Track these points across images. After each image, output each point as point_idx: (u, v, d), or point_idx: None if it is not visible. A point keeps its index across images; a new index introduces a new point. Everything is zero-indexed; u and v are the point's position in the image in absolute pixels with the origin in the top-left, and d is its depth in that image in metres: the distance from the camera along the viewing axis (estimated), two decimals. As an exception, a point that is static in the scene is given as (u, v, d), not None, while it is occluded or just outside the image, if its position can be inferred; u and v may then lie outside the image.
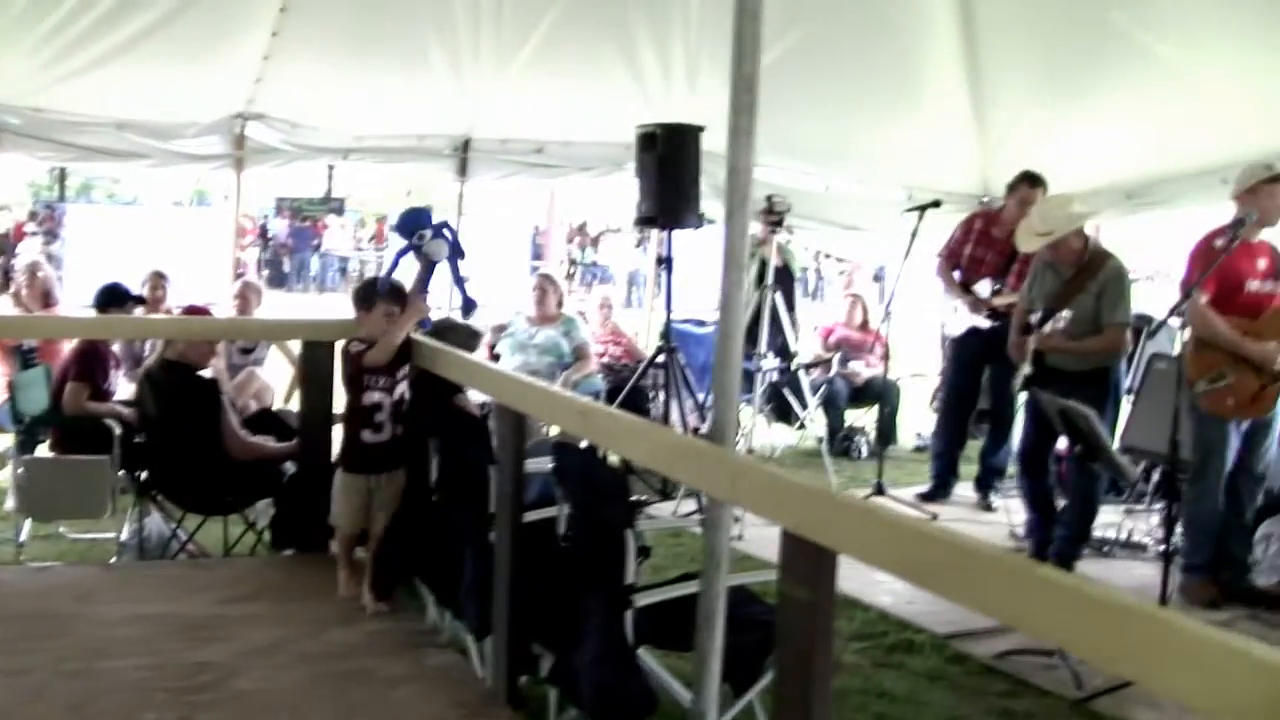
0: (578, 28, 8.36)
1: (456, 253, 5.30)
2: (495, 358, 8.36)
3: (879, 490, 8.05)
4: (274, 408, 7.81)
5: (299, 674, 4.31)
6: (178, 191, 31.21)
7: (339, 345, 5.30)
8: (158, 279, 8.37)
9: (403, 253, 5.33)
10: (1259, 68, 7.37)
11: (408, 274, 5.31)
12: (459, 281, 5.43)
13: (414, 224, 5.29)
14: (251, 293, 9.15)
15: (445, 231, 5.31)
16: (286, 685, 4.20)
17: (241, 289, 9.12)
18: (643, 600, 3.74)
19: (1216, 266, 5.85)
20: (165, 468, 6.08)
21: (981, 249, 7.94)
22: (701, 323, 9.99)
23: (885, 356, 10.04)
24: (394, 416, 5.05)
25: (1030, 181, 7.72)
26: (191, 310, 6.90)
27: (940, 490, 8.30)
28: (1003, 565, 2.30)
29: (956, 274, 8.10)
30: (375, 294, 5.09)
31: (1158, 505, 7.81)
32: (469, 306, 5.68)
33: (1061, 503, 6.85)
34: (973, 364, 8.12)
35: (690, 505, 7.22)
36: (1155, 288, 9.11)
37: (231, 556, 6.15)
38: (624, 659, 3.68)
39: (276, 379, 8.70)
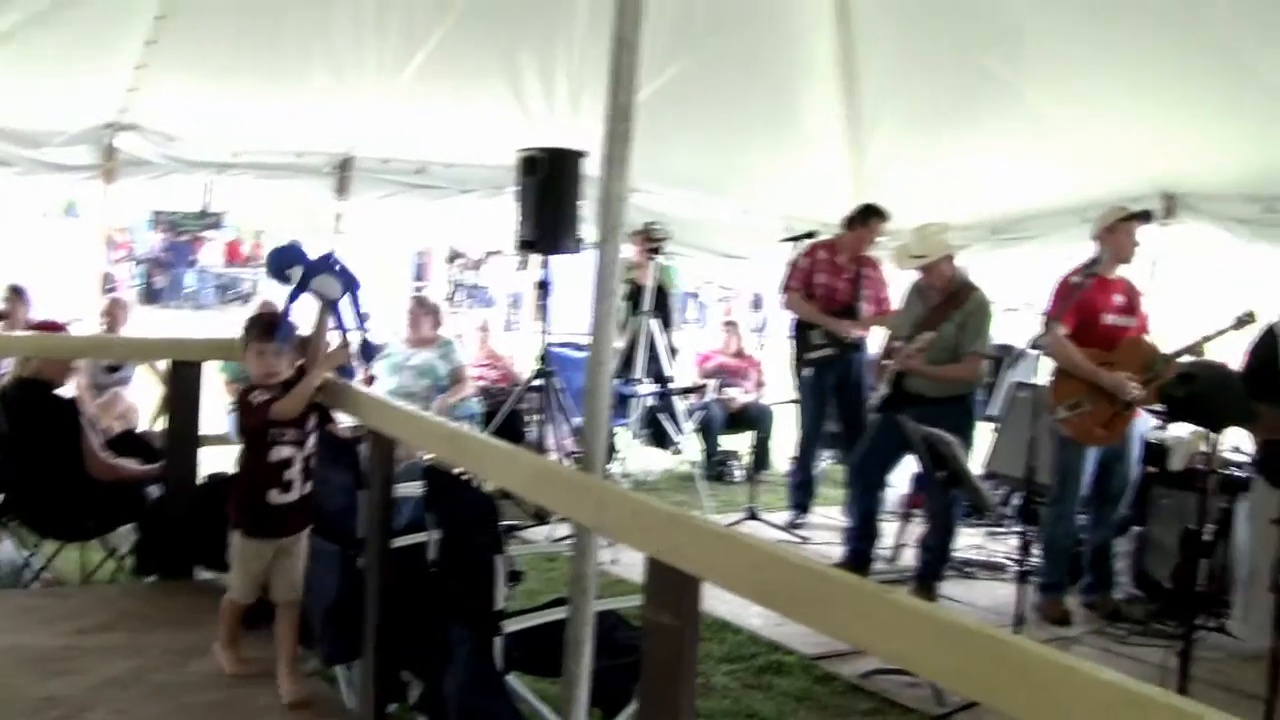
0: (463, 48, 8.30)
1: (351, 287, 4.65)
2: (371, 380, 8.30)
3: (751, 515, 8.16)
4: (140, 429, 7.61)
5: (157, 707, 4.07)
6: (45, 202, 30.27)
7: (218, 375, 4.97)
8: (14, 294, 8.16)
9: (296, 294, 4.57)
10: (1116, 113, 7.65)
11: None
12: (360, 321, 4.87)
13: (283, 262, 4.64)
14: (119, 309, 8.93)
15: (332, 265, 4.65)
16: (143, 719, 4.01)
17: (109, 305, 8.91)
18: (511, 626, 3.75)
19: (1076, 301, 6.10)
20: (20, 491, 5.78)
21: (829, 276, 8.11)
22: (580, 346, 10.00)
23: (760, 383, 10.19)
24: (305, 473, 4.38)
25: (879, 215, 7.99)
26: (45, 326, 6.57)
27: (801, 515, 8.42)
28: (856, 590, 2.36)
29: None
30: (275, 331, 4.36)
31: (1018, 527, 8.06)
32: (369, 352, 4.91)
33: (917, 526, 7.03)
34: (825, 391, 8.26)
35: (565, 529, 7.23)
36: (1019, 319, 9.34)
37: (90, 584, 5.89)
38: (492, 685, 3.69)
39: (145, 399, 8.50)
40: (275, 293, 5.16)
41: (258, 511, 4.33)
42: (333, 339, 4.61)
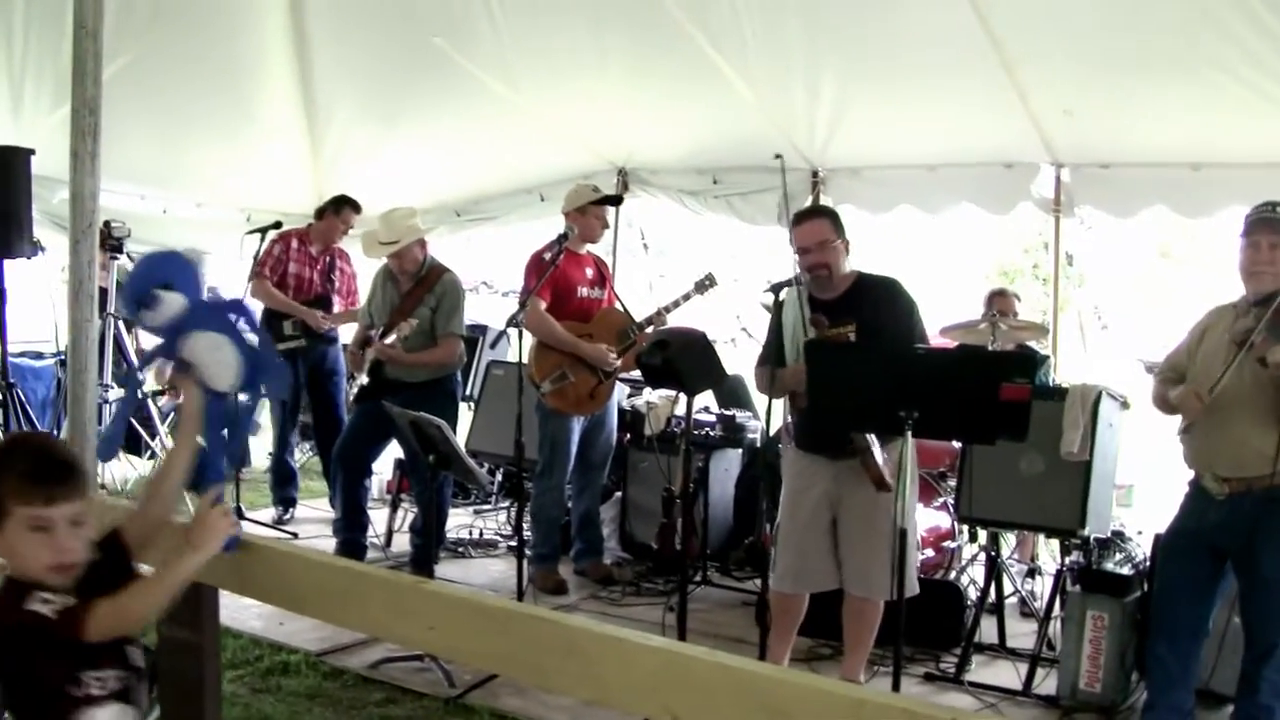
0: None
1: (262, 371, 2.74)
2: None
3: (239, 514, 7.87)
4: None
5: None
6: None
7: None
8: None
9: (156, 355, 2.80)
10: (571, 95, 8.00)
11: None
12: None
13: (153, 278, 2.71)
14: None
15: (232, 316, 2.74)
16: None
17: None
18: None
19: (551, 277, 6.33)
20: None
21: (301, 266, 7.98)
22: (40, 355, 9.28)
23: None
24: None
25: (352, 206, 7.95)
26: None
27: (287, 509, 8.24)
28: (391, 584, 2.35)
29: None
30: (71, 477, 2.42)
31: (505, 503, 8.30)
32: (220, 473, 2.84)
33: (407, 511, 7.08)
34: (298, 382, 8.12)
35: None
36: (488, 298, 9.59)
37: None
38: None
39: None
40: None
41: None
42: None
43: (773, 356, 4.82)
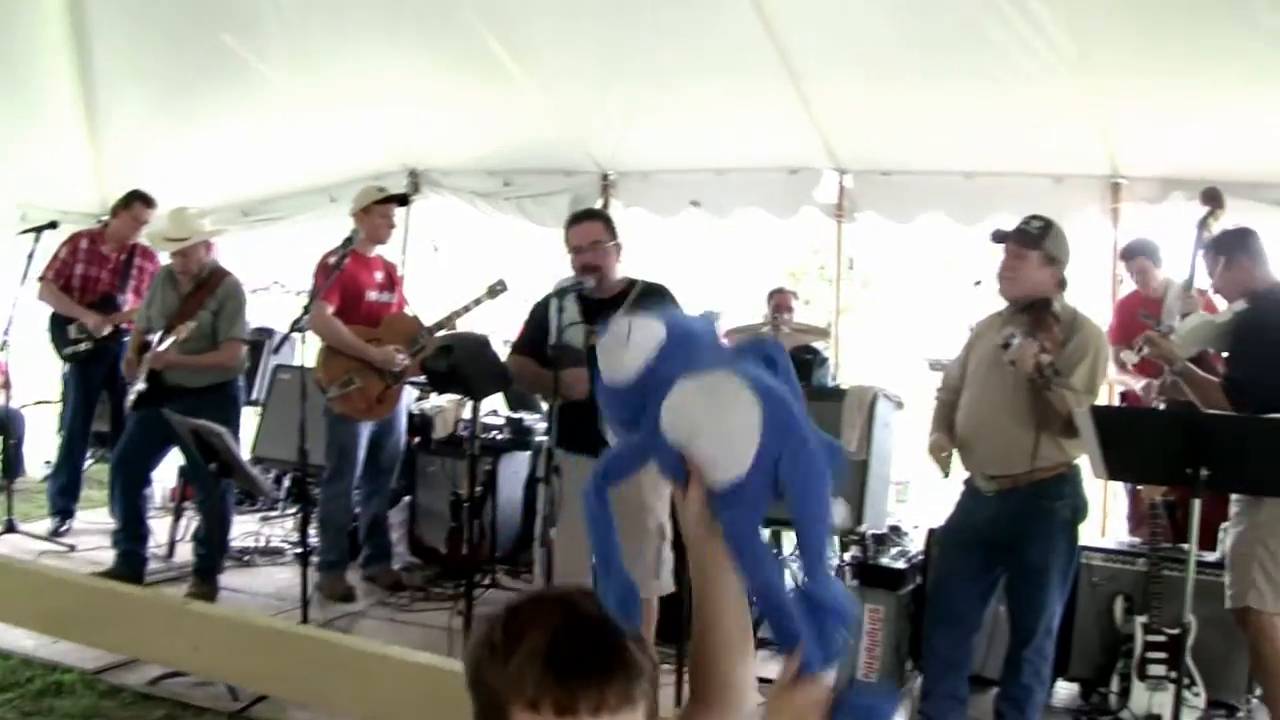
0: None
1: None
2: None
3: (10, 528, 7.54)
4: None
5: None
6: None
7: None
8: None
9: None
10: (363, 96, 7.91)
11: None
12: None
13: None
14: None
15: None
16: None
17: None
18: None
19: (338, 280, 6.23)
20: None
21: (94, 268, 7.70)
22: None
23: (6, 385, 9.40)
24: None
25: (144, 201, 7.66)
26: None
27: (65, 521, 7.93)
28: (144, 603, 2.30)
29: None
30: None
31: (292, 509, 8.14)
32: None
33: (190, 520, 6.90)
34: (90, 387, 7.86)
35: None
36: (274, 300, 9.39)
37: None
38: None
39: None
40: None
41: None
42: None
43: (539, 357, 4.89)
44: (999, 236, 4.64)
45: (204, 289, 6.49)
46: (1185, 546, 4.04)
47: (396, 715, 2.05)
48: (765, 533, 6.03)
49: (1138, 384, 6.22)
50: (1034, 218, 4.62)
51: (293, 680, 2.07)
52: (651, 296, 5.00)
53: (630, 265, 5.20)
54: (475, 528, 5.51)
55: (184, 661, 2.24)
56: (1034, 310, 4.44)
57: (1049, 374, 4.20)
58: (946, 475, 4.82)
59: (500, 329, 6.71)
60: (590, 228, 5.06)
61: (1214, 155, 6.64)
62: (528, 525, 7.32)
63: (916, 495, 6.91)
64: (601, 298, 5.00)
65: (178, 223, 6.47)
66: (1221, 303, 5.12)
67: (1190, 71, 6.12)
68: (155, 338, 6.38)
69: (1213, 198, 5.44)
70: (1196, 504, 3.94)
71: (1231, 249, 4.83)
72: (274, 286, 8.77)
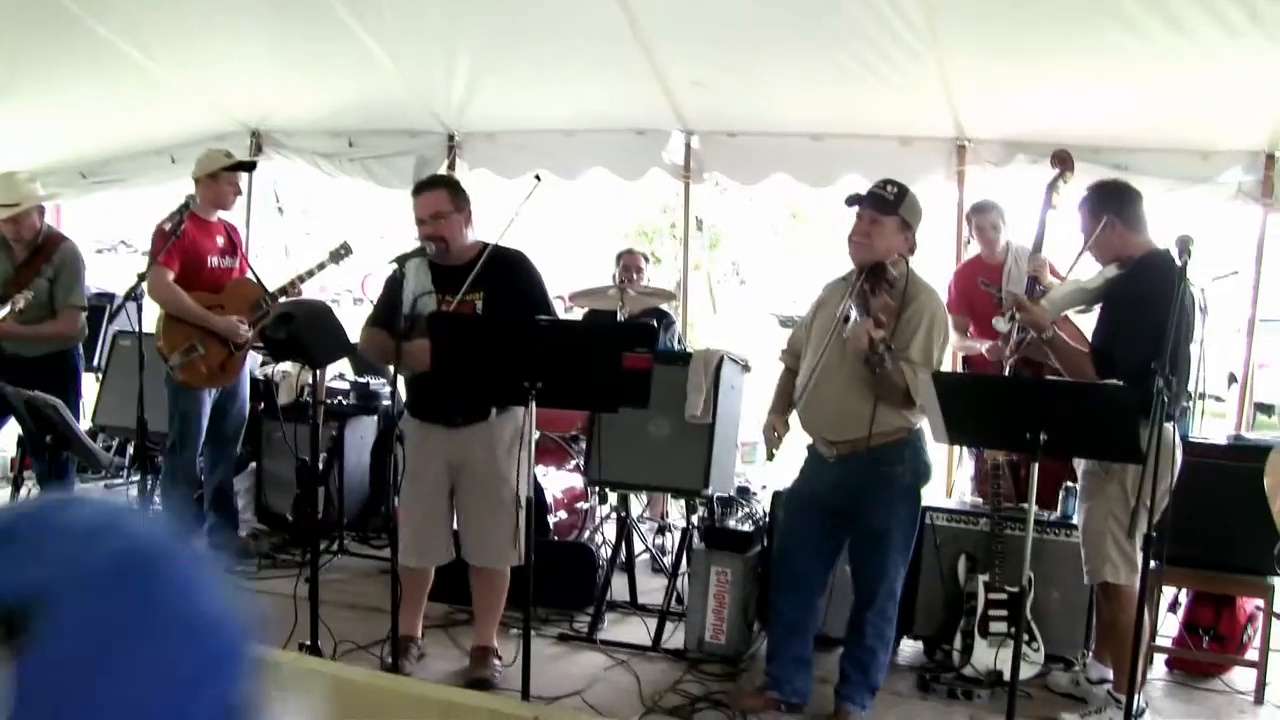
0: None
1: None
2: None
3: None
4: None
5: None
6: None
7: None
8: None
9: None
10: (208, 59, 7.72)
11: None
12: None
13: None
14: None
15: None
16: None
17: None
18: None
19: (178, 246, 6.09)
20: None
21: None
22: None
23: None
24: None
25: None
26: None
27: None
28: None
29: None
30: None
31: (136, 477, 7.96)
32: None
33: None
34: None
35: None
36: (125, 258, 9.17)
37: None
38: None
39: None
40: None
41: None
42: None
43: (393, 327, 4.81)
44: (854, 200, 4.68)
45: (40, 255, 6.31)
46: (1025, 506, 4.16)
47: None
48: (613, 495, 6.17)
49: (981, 345, 6.36)
50: (888, 182, 4.68)
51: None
52: (502, 261, 5.00)
53: (481, 228, 5.17)
54: (313, 496, 5.45)
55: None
56: (871, 277, 4.52)
57: (883, 351, 4.29)
58: (771, 458, 4.91)
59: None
60: (433, 198, 5.00)
61: (1057, 119, 6.81)
62: (376, 491, 7.31)
63: (763, 455, 7.05)
64: (453, 264, 4.98)
65: (7, 188, 6.26)
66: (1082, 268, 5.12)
67: (1034, 36, 6.21)
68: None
69: (1063, 160, 5.46)
70: (1035, 468, 4.06)
71: (1107, 208, 4.74)
72: (120, 247, 8.57)
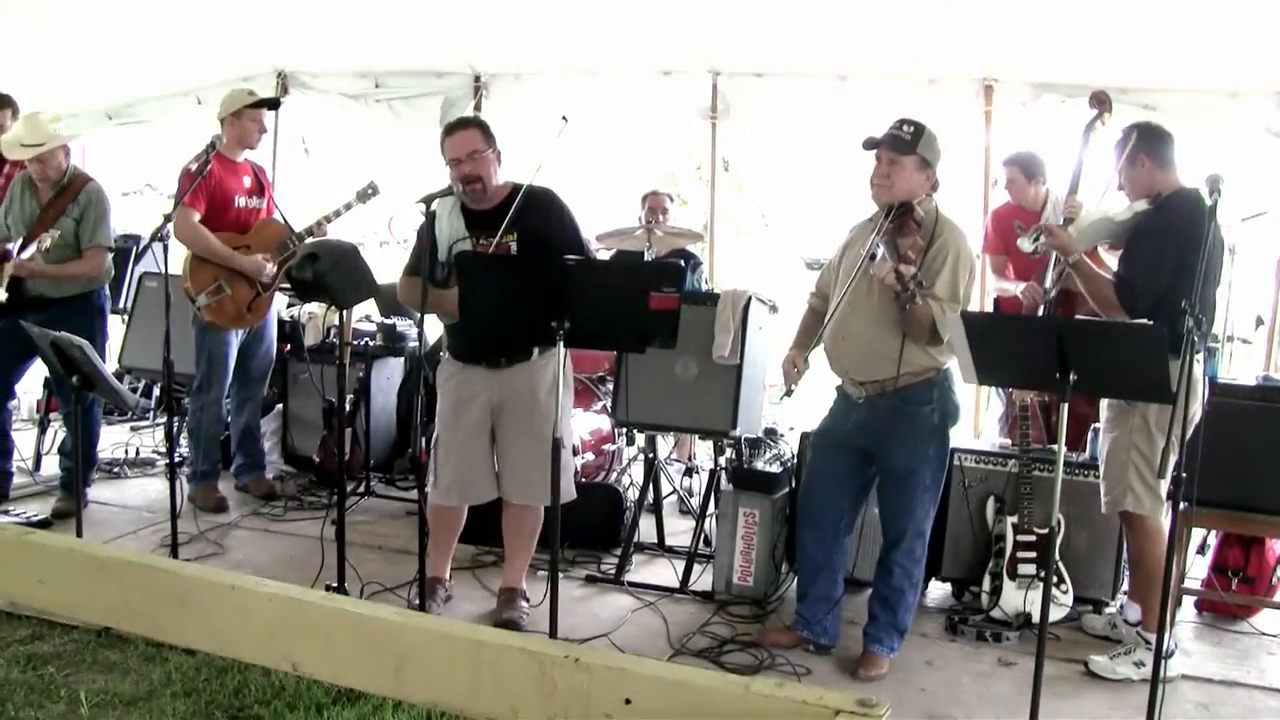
0: None
1: None
2: None
3: None
4: None
5: None
6: None
7: None
8: None
9: None
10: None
11: None
12: None
13: None
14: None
15: None
16: None
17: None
18: None
19: (204, 186, 6.08)
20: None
21: None
22: None
23: None
24: None
25: (4, 103, 7.34)
26: None
27: None
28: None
29: None
30: None
31: (162, 419, 8.00)
32: None
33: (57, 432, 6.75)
34: None
35: None
36: (151, 200, 9.16)
37: None
38: None
39: None
40: None
41: None
42: None
43: (425, 269, 4.78)
44: (871, 143, 4.65)
45: (65, 195, 6.28)
46: (1055, 448, 4.13)
47: (245, 648, 2.03)
48: (640, 437, 6.15)
49: (1016, 288, 6.30)
50: (905, 122, 4.63)
51: (139, 614, 2.03)
52: (537, 201, 4.95)
53: (508, 169, 5.12)
54: (341, 438, 5.45)
55: (30, 596, 2.18)
56: (899, 216, 4.49)
57: (912, 287, 4.26)
58: (789, 394, 4.87)
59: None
60: (467, 137, 4.93)
61: (1085, 59, 6.73)
62: (403, 433, 7.31)
63: (793, 398, 7.02)
64: (486, 208, 4.93)
65: (31, 128, 6.23)
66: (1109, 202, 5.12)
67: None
68: (15, 246, 6.17)
69: (1101, 101, 5.45)
70: (1065, 408, 4.04)
71: (1141, 146, 4.79)
72: (145, 189, 8.55)
